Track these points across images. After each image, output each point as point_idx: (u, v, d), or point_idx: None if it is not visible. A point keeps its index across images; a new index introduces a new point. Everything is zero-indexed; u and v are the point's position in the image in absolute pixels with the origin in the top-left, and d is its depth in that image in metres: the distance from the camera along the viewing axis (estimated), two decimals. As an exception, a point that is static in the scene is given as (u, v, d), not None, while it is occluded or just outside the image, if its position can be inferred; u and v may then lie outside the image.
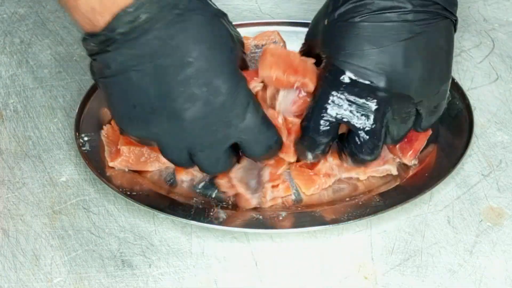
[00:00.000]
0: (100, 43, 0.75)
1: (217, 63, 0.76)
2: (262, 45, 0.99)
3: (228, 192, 0.85)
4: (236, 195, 0.84)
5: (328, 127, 0.81)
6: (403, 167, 0.89)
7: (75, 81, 1.03)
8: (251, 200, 0.83)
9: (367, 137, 0.80)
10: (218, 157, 0.80)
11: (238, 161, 0.84)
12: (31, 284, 0.78)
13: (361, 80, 0.79)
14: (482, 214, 0.85)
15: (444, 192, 0.87)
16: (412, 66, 0.80)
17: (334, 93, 0.80)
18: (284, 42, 0.99)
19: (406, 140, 0.88)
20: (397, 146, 0.88)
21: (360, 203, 0.84)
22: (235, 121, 0.78)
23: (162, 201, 0.85)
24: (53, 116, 0.97)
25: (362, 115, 0.80)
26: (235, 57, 0.80)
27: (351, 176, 0.88)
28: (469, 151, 0.89)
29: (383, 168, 0.87)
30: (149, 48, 0.74)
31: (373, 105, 0.80)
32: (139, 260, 0.80)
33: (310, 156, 0.84)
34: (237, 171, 0.83)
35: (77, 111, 0.92)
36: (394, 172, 0.87)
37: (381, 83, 0.79)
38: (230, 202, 0.85)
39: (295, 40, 1.02)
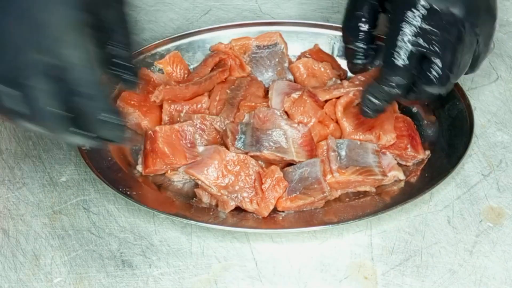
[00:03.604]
0: None
1: None
2: (264, 46, 1.00)
3: (210, 200, 0.85)
4: (217, 198, 0.84)
5: (405, 59, 0.81)
6: (410, 168, 0.89)
7: (75, 81, 1.03)
8: (229, 202, 0.83)
9: (444, 65, 0.81)
10: (40, 98, 0.68)
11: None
12: (31, 284, 0.78)
13: (436, 6, 0.80)
14: (482, 214, 0.85)
15: (444, 192, 0.87)
16: None
17: (408, 22, 0.80)
18: (285, 43, 0.99)
19: (409, 138, 0.89)
20: (409, 148, 0.88)
21: (360, 203, 0.85)
22: (51, 45, 0.67)
23: (162, 201, 0.85)
24: (53, 116, 0.97)
25: (438, 42, 0.80)
26: None
27: (360, 190, 0.87)
28: (469, 151, 0.89)
29: (391, 174, 0.87)
30: None
31: (448, 32, 0.80)
32: (139, 260, 0.80)
33: (379, 103, 0.83)
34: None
35: (77, 111, 0.92)
36: (402, 176, 0.87)
37: (456, 9, 0.80)
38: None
39: (295, 40, 1.02)
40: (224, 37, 1.02)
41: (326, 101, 0.91)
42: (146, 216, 0.84)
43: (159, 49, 1.02)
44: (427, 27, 0.80)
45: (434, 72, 0.81)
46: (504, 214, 0.85)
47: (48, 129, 0.70)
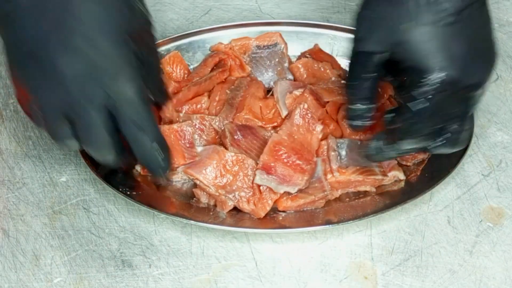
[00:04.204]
0: None
1: (101, 20, 0.74)
2: (264, 46, 1.00)
3: (208, 200, 0.85)
4: (215, 198, 0.84)
5: (419, 134, 0.79)
6: (410, 168, 0.89)
7: (75, 81, 1.03)
8: (227, 202, 0.83)
9: (459, 132, 0.80)
10: (95, 128, 0.75)
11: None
12: (31, 284, 0.78)
13: (455, 78, 0.76)
14: (482, 214, 0.85)
15: (444, 192, 0.87)
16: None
17: (423, 95, 0.77)
18: (285, 43, 0.99)
19: None
20: None
21: (360, 203, 0.85)
22: (109, 81, 0.74)
23: (162, 201, 0.85)
24: (53, 116, 0.97)
25: (454, 115, 0.79)
26: (127, 25, 0.75)
27: (360, 190, 0.87)
28: (469, 151, 0.89)
29: (391, 174, 0.87)
30: None
31: (466, 103, 0.79)
32: (139, 260, 0.80)
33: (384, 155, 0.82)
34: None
35: (77, 111, 0.92)
36: (402, 176, 0.87)
37: (474, 80, 0.78)
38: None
39: (295, 40, 1.02)
40: (224, 37, 1.02)
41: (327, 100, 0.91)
42: (146, 216, 0.85)
43: (159, 49, 1.01)
44: (443, 101, 0.77)
45: (450, 139, 0.80)
46: (504, 214, 0.85)
47: (99, 155, 0.77)
